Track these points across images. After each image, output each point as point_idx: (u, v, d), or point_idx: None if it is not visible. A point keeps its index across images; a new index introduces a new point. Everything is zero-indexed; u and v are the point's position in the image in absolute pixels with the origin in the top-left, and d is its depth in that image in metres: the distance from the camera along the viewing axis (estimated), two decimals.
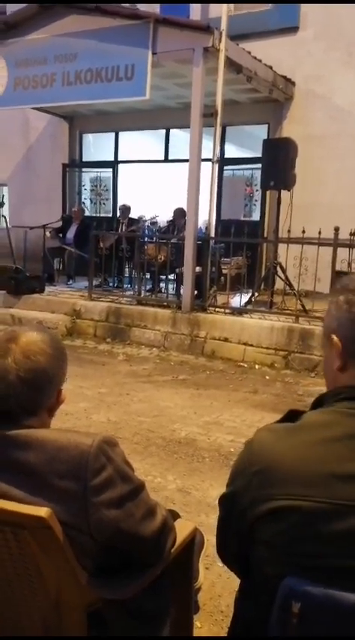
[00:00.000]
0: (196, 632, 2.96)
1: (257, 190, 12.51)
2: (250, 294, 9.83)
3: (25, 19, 11.07)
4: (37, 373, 1.73)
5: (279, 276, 9.61)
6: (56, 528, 1.57)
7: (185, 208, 10.25)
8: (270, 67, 10.93)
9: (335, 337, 1.57)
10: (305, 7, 11.60)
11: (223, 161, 12.76)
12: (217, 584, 3.33)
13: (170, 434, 5.75)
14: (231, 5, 9.91)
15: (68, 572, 1.66)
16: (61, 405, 1.86)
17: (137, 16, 9.86)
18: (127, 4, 10.70)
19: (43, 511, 1.54)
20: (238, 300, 9.84)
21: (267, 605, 1.46)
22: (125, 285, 11.86)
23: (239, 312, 9.44)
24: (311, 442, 1.47)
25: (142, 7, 10.79)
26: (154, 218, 12.89)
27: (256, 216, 12.62)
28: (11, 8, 12.45)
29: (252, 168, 12.35)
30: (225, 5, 9.57)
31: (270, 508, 1.44)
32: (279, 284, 9.82)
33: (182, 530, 2.06)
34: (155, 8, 11.84)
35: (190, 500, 4.35)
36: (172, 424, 6.02)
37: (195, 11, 12.28)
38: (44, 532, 1.58)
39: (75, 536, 1.62)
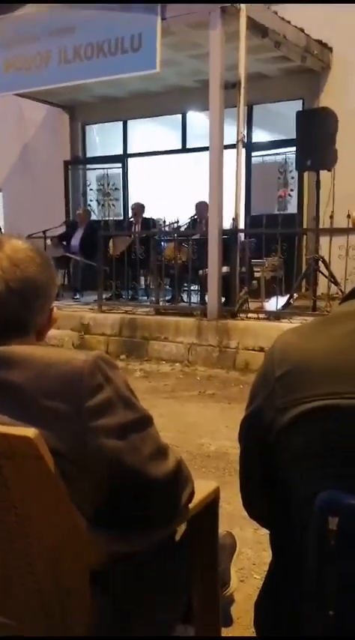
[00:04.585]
0: None
1: (292, 178, 12.56)
2: (288, 297, 9.82)
3: None
4: (28, 284, 1.75)
5: (322, 273, 9.58)
6: (46, 455, 1.55)
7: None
8: (302, 30, 10.99)
9: None
10: None
11: (250, 146, 12.84)
12: (254, 597, 3.26)
13: (197, 448, 5.77)
14: None
15: (64, 517, 1.63)
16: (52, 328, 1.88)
17: None
18: None
19: (29, 432, 1.53)
20: (274, 304, 9.84)
21: (302, 546, 1.44)
22: (140, 298, 11.91)
23: (275, 316, 9.42)
24: (342, 334, 1.46)
25: None
26: (174, 223, 12.96)
27: (292, 209, 12.63)
28: None
29: (286, 152, 12.40)
30: None
31: (299, 413, 1.42)
32: (323, 287, 9.78)
33: (202, 488, 2.04)
34: None
35: (222, 513, 4.24)
36: (199, 439, 6.04)
37: None
38: (32, 462, 1.56)
39: (69, 471, 1.60)
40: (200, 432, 6.28)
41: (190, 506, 1.91)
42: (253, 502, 1.76)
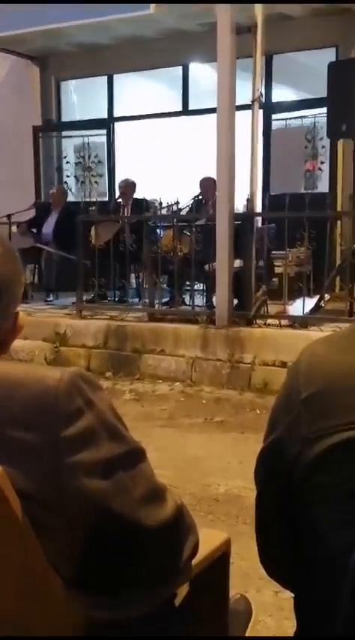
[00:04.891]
0: None
1: (323, 147, 12.56)
2: (317, 298, 9.82)
3: None
4: None
5: None
6: (11, 498, 1.56)
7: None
8: None
9: None
10: None
11: (270, 107, 12.85)
12: None
13: (202, 490, 5.81)
14: None
15: (34, 575, 1.64)
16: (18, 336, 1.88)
17: None
18: None
19: None
20: (300, 307, 9.81)
21: (334, 614, 1.45)
22: (131, 300, 11.87)
23: (302, 323, 9.44)
24: None
25: None
26: (172, 205, 12.91)
27: (323, 187, 12.64)
28: None
29: (315, 115, 12.39)
30: None
31: (332, 445, 1.43)
32: None
33: (209, 539, 2.05)
34: None
35: (234, 571, 4.28)
36: (205, 478, 6.09)
37: None
38: None
39: (41, 517, 1.61)
40: (206, 469, 6.32)
41: (193, 562, 1.92)
42: (273, 557, 1.76)
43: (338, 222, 11.22)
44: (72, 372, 1.65)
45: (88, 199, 14.20)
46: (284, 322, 9.61)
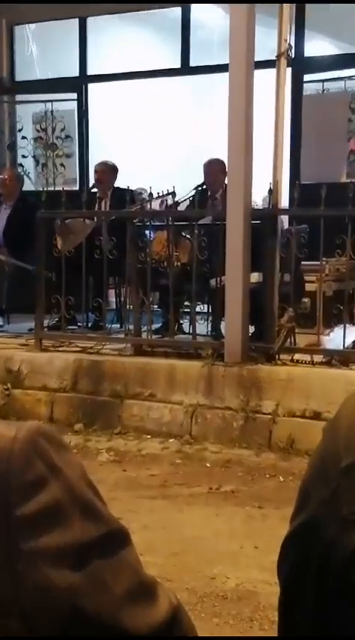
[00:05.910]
0: None
1: None
2: None
3: None
4: None
5: None
6: None
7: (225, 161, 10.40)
8: None
9: None
10: None
11: (301, 65, 12.92)
12: None
13: (205, 584, 5.83)
14: None
15: None
16: None
17: None
18: None
19: None
20: (339, 338, 9.84)
21: None
22: (109, 326, 11.80)
23: (343, 359, 9.52)
24: None
25: None
26: (166, 196, 12.90)
27: None
28: None
29: None
30: None
31: None
32: None
33: None
34: None
35: None
36: (210, 567, 6.10)
37: None
38: None
39: None
40: (210, 555, 6.33)
41: None
42: None
43: None
44: (30, 429, 1.61)
45: (51, 188, 14.28)
46: (318, 358, 9.67)
